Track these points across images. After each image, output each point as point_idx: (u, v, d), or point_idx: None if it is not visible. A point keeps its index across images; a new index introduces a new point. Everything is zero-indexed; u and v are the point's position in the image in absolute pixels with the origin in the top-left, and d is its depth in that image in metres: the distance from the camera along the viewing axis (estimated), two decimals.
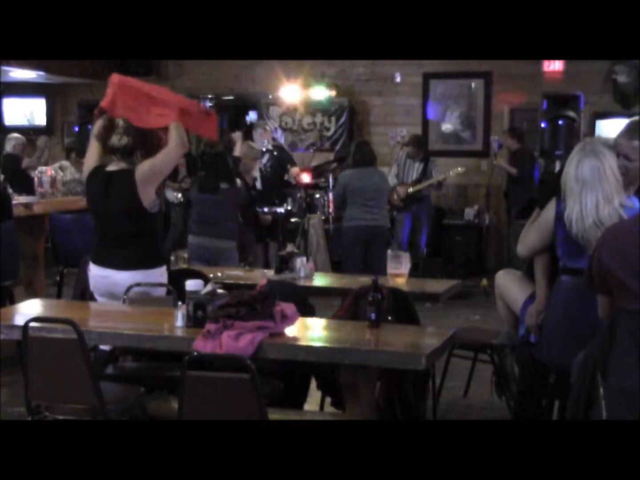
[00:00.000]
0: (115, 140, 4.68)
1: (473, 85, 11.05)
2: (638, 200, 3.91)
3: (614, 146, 3.91)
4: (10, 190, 7.06)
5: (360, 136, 11.39)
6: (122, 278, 4.58)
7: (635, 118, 4.10)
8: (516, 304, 4.23)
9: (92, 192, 4.73)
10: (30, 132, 11.20)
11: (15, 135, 10.25)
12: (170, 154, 4.64)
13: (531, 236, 4.13)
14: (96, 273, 4.71)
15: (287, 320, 3.73)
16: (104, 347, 4.36)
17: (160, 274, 4.70)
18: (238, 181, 7.46)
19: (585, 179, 3.85)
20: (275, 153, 9.35)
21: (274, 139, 9.94)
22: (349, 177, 7.85)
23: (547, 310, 4.03)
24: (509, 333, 4.45)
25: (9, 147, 9.99)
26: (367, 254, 7.69)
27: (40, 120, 12.72)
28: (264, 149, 9.25)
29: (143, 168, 4.60)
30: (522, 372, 4.31)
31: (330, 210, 9.90)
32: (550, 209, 4.03)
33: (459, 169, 10.03)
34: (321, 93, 11.37)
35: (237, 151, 8.25)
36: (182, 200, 9.34)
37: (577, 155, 3.92)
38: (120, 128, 4.71)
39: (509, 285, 4.31)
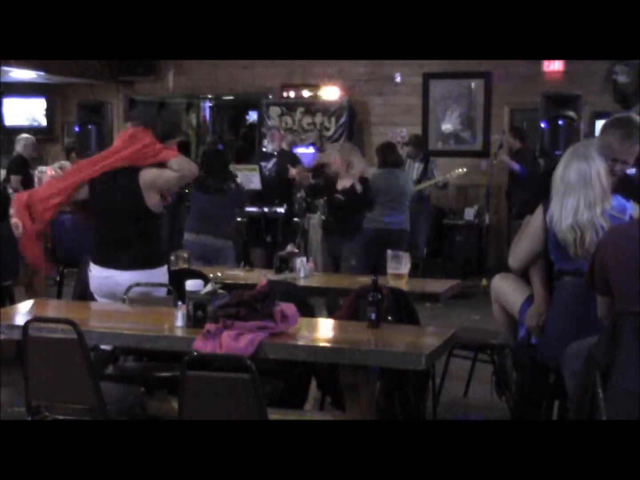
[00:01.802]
0: None
1: (473, 85, 11.05)
2: (621, 198, 3.91)
3: (606, 148, 3.90)
4: (10, 191, 7.06)
5: (360, 136, 11.42)
6: (126, 278, 4.57)
7: (625, 116, 4.09)
8: (514, 307, 4.22)
9: (98, 192, 4.71)
10: (30, 133, 11.18)
11: (25, 135, 10.26)
12: (172, 181, 4.74)
13: (521, 247, 4.09)
14: (98, 274, 4.69)
15: (287, 320, 3.73)
16: (104, 346, 4.36)
17: (162, 274, 4.70)
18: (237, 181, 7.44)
19: (570, 181, 3.84)
20: (284, 156, 9.36)
21: (281, 142, 9.83)
22: (376, 176, 7.86)
23: (548, 311, 4.02)
24: (505, 337, 4.45)
25: (19, 148, 10.03)
26: (379, 257, 7.54)
27: (41, 120, 12.70)
28: (275, 152, 9.30)
29: (147, 176, 4.61)
30: (521, 375, 4.30)
31: None
32: (538, 216, 4.01)
33: (461, 170, 10.01)
34: (322, 93, 11.38)
35: (336, 167, 7.57)
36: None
37: (567, 156, 3.91)
38: None
39: (505, 289, 4.30)
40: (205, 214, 7.06)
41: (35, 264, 5.00)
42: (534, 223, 4.04)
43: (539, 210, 4.00)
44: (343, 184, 7.47)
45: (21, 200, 4.78)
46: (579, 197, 3.83)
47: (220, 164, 7.26)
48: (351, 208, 7.42)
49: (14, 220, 4.97)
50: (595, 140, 4.12)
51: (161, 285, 4.66)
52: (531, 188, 9.42)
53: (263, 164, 9.41)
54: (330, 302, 6.32)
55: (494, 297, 4.39)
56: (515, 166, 9.80)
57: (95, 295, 4.75)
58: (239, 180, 7.93)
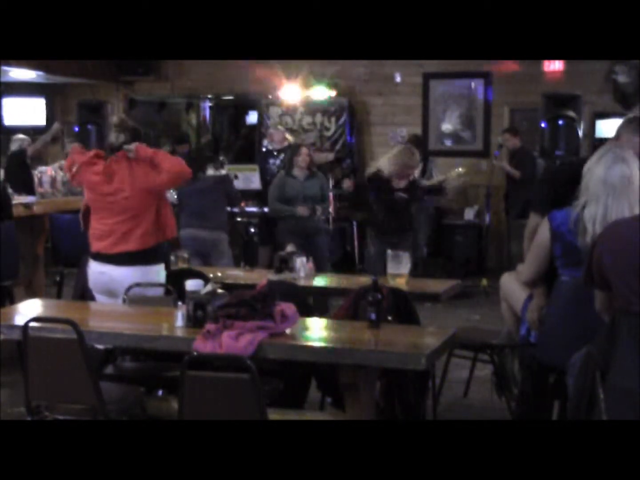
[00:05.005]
0: (114, 138, 4.69)
1: (473, 85, 11.04)
2: None
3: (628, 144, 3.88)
4: (10, 190, 7.07)
5: (360, 136, 11.41)
6: (120, 274, 4.58)
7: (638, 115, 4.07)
8: (518, 304, 4.22)
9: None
10: (30, 133, 11.18)
11: (21, 136, 10.24)
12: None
13: (530, 265, 4.05)
14: (95, 269, 4.72)
15: (287, 320, 3.73)
16: (98, 345, 4.35)
17: (157, 272, 4.70)
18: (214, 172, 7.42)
19: (614, 184, 3.75)
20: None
21: (286, 139, 9.78)
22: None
23: (547, 309, 4.02)
24: (509, 332, 4.44)
25: (14, 147, 10.01)
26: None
27: (39, 120, 12.65)
28: (275, 152, 9.29)
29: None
30: (525, 373, 4.30)
31: (330, 209, 9.89)
32: (544, 230, 3.96)
33: (459, 169, 9.99)
34: (321, 93, 11.37)
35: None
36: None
37: (606, 159, 3.82)
38: (118, 125, 4.72)
39: (512, 286, 4.30)
40: (193, 208, 7.05)
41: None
42: (539, 239, 3.96)
43: (545, 224, 3.94)
44: (399, 183, 7.23)
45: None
46: (623, 201, 3.74)
47: (203, 159, 7.29)
48: (409, 205, 7.34)
49: None
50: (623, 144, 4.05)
51: (160, 285, 4.66)
52: (538, 187, 9.40)
53: (271, 161, 9.40)
54: (317, 303, 6.29)
55: (502, 295, 4.39)
56: (516, 173, 9.80)
57: (94, 292, 4.77)
58: (239, 180, 7.93)
